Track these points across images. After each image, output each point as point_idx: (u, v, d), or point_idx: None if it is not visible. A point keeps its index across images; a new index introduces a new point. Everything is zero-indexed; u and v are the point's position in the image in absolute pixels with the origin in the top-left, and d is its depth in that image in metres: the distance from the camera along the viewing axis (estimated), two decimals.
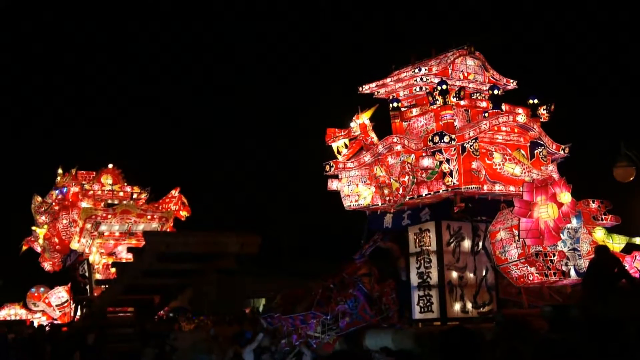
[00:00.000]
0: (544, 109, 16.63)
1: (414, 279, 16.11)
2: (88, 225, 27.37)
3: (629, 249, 15.70)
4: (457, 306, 15.76)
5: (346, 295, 15.06)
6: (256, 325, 16.34)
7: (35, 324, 29.54)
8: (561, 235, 14.83)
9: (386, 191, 16.29)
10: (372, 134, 17.04)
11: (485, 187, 15.49)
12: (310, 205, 40.08)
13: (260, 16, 62.08)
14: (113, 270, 25.89)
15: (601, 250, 13.23)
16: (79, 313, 27.78)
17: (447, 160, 15.38)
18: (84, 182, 29.45)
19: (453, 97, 15.81)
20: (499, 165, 15.83)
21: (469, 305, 15.85)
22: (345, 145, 17.28)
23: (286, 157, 48.83)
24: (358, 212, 17.55)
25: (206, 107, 58.00)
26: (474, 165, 15.31)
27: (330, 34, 56.64)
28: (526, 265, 14.94)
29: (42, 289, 32.46)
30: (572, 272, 15.09)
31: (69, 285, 30.91)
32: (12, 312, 32.94)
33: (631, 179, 15.74)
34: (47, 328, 24.92)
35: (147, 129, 54.62)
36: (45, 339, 20.09)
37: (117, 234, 28.25)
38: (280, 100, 53.47)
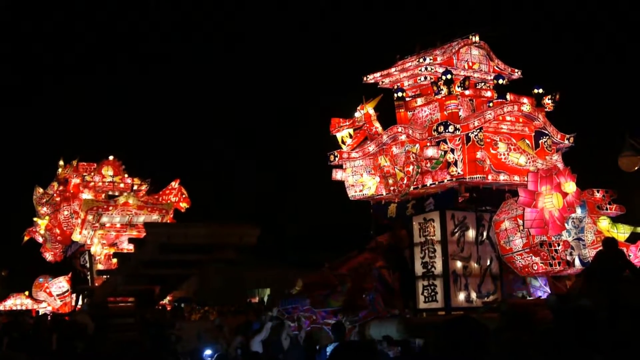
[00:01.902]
0: (548, 99, 16.61)
1: (418, 269, 16.11)
2: (89, 217, 27.32)
3: (634, 238, 15.69)
4: (462, 296, 15.77)
5: (370, 287, 15.17)
6: (261, 315, 16.30)
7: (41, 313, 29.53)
8: (566, 225, 14.84)
9: (391, 181, 16.28)
10: (377, 124, 17.03)
11: (489, 177, 15.48)
12: (312, 196, 40.12)
13: (265, 5, 62.12)
14: (114, 260, 25.84)
15: (609, 243, 13.17)
16: (79, 303, 27.78)
17: (452, 150, 15.37)
18: (85, 174, 29.36)
19: (458, 86, 15.80)
20: (504, 155, 15.82)
21: (474, 295, 15.86)
22: (350, 135, 17.27)
23: (289, 147, 48.83)
24: (360, 202, 17.54)
25: (206, 98, 57.91)
26: (479, 155, 15.29)
27: (335, 23, 56.63)
28: (531, 255, 14.96)
29: (49, 279, 32.52)
30: (577, 262, 15.11)
31: (70, 275, 30.93)
32: (18, 302, 32.95)
33: (636, 168, 15.73)
34: (49, 317, 24.92)
35: (146, 120, 54.60)
36: (50, 328, 20.05)
37: (118, 225, 28.20)
38: (284, 89, 53.47)
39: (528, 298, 15.80)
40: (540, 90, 16.60)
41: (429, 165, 15.60)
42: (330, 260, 17.30)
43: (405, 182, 15.95)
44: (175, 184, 29.89)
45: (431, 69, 16.42)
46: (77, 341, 15.89)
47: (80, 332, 18.24)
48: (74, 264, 29.95)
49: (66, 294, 31.60)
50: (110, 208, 27.79)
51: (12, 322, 22.95)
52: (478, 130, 15.33)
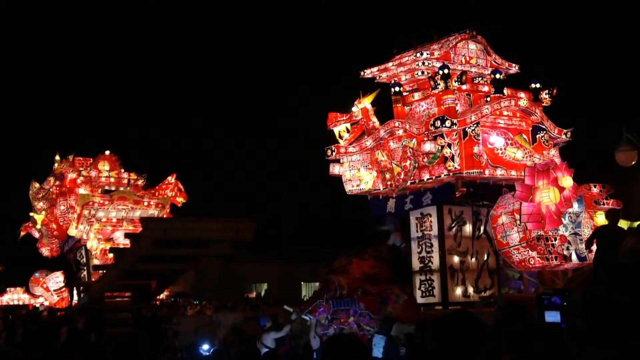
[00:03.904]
0: (546, 93, 16.59)
1: (416, 264, 16.12)
2: (85, 212, 27.31)
3: None
4: (459, 290, 15.79)
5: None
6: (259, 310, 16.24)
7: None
8: (562, 219, 14.83)
9: (388, 176, 16.27)
10: (374, 119, 17.01)
11: (486, 172, 15.49)
12: (310, 190, 40.15)
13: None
14: (111, 255, 25.84)
15: (612, 213, 13.24)
16: (75, 297, 27.78)
17: (449, 145, 15.35)
18: (81, 169, 29.34)
19: (455, 81, 15.77)
20: (501, 149, 15.82)
21: (471, 290, 15.89)
22: (347, 129, 17.24)
23: (286, 141, 48.86)
24: (357, 197, 17.53)
25: (203, 92, 57.88)
26: (476, 149, 15.29)
27: (332, 18, 56.61)
28: (527, 249, 14.94)
29: (46, 274, 32.51)
30: (574, 257, 15.10)
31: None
32: (15, 297, 32.98)
33: (633, 163, 15.70)
34: (45, 312, 24.92)
35: (143, 115, 54.55)
36: (60, 321, 20.12)
37: (114, 220, 28.21)
38: (282, 84, 53.45)
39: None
40: (538, 85, 16.58)
41: (426, 160, 15.58)
42: (327, 257, 17.20)
43: (402, 176, 15.95)
44: (171, 179, 29.90)
45: (428, 63, 16.40)
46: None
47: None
48: (67, 258, 29.96)
49: (63, 288, 31.63)
50: (107, 203, 27.78)
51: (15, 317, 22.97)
52: (475, 125, 15.32)
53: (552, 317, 11.26)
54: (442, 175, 15.45)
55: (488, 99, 16.03)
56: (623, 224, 15.79)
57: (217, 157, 52.88)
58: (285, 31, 60.82)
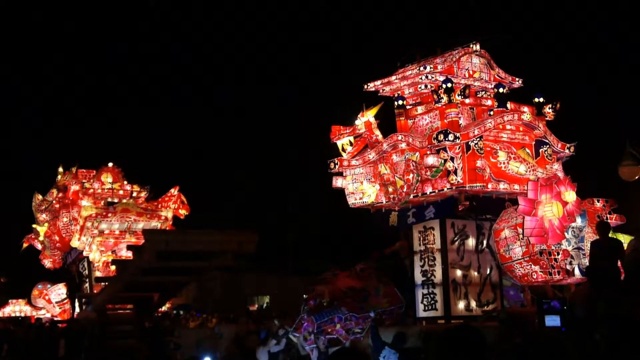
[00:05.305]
0: (549, 108, 16.60)
1: (418, 277, 16.09)
2: (89, 224, 27.33)
3: None
4: (461, 304, 15.75)
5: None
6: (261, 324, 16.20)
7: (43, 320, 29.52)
8: (565, 234, 14.78)
9: (390, 189, 16.25)
10: (377, 132, 17.02)
11: (489, 186, 15.45)
12: (312, 203, 40.12)
13: (264, 10, 62.28)
14: (113, 267, 25.84)
15: (602, 226, 13.27)
16: (77, 309, 27.77)
17: (452, 159, 15.34)
18: (84, 181, 29.40)
19: (458, 95, 15.77)
20: (504, 163, 15.80)
21: (473, 304, 15.84)
22: (350, 142, 17.24)
23: (289, 154, 48.84)
24: (360, 210, 17.51)
25: (206, 105, 57.97)
26: (479, 163, 15.26)
27: (336, 31, 56.75)
28: (530, 263, 14.91)
29: (48, 286, 32.51)
30: (577, 271, 15.05)
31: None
32: (17, 309, 32.97)
33: (636, 177, 15.71)
34: (47, 324, 24.90)
35: (146, 127, 54.66)
36: (58, 334, 20.12)
37: (117, 232, 28.22)
38: (285, 96, 53.55)
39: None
40: (541, 99, 16.58)
41: (429, 173, 15.56)
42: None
43: (405, 190, 15.93)
44: (174, 191, 29.91)
45: (432, 77, 16.41)
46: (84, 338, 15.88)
47: (86, 329, 18.21)
48: (70, 270, 29.99)
49: (65, 300, 31.63)
50: (109, 215, 27.80)
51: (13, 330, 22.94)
52: (478, 139, 15.31)
53: (552, 321, 11.30)
54: (445, 189, 15.44)
55: (491, 112, 16.04)
56: (626, 238, 15.77)
57: (220, 169, 52.90)
58: (288, 43, 60.95)
